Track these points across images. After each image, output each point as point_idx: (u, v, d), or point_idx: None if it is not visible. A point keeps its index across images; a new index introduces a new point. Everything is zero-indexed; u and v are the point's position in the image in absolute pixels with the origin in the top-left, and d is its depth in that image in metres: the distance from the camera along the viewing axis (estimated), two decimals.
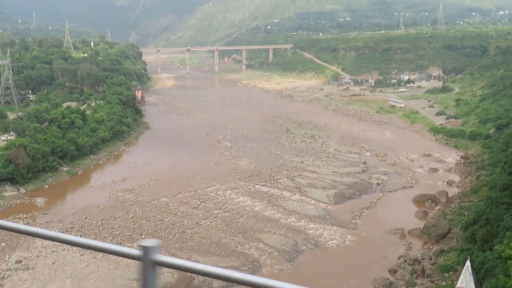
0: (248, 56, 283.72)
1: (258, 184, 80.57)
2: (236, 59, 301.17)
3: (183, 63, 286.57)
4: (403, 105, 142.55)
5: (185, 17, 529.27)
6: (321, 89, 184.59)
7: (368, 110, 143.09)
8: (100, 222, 64.79)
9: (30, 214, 67.60)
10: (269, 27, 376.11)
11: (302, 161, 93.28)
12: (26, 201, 72.69)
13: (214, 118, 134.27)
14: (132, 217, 66.99)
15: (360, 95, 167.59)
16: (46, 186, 79.92)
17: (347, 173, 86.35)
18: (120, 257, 5.29)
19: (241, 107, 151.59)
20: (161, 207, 70.22)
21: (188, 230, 62.47)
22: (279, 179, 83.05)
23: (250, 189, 78.53)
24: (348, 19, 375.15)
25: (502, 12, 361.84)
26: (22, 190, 76.54)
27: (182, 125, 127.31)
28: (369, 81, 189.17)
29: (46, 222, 64.72)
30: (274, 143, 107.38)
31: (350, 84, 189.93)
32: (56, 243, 56.25)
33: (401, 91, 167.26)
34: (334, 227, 63.57)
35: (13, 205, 71.18)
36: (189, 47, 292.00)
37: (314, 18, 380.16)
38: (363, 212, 69.26)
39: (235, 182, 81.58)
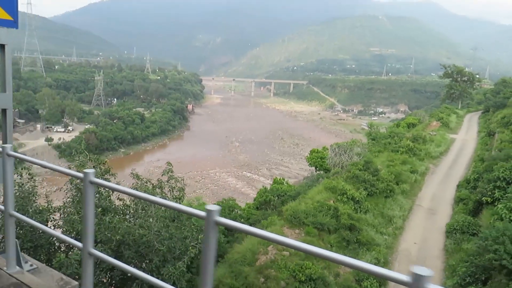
0: (276, 87, 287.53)
1: (246, 171, 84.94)
2: (268, 89, 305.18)
3: (231, 89, 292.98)
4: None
5: (239, 57, 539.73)
6: (319, 114, 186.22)
7: (345, 130, 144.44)
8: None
9: None
10: (295, 68, 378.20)
11: (282, 159, 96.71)
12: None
13: (236, 127, 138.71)
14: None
15: (344, 119, 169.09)
16: (106, 159, 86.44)
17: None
18: None
19: (257, 121, 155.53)
20: None
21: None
22: (261, 169, 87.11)
23: (239, 174, 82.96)
24: (354, 66, 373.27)
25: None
26: None
27: (212, 130, 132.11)
28: (354, 110, 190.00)
29: None
30: (268, 146, 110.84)
31: (340, 111, 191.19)
32: None
33: (373, 119, 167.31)
34: None
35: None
36: (234, 78, 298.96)
37: (329, 63, 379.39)
38: None
39: (230, 168, 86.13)
